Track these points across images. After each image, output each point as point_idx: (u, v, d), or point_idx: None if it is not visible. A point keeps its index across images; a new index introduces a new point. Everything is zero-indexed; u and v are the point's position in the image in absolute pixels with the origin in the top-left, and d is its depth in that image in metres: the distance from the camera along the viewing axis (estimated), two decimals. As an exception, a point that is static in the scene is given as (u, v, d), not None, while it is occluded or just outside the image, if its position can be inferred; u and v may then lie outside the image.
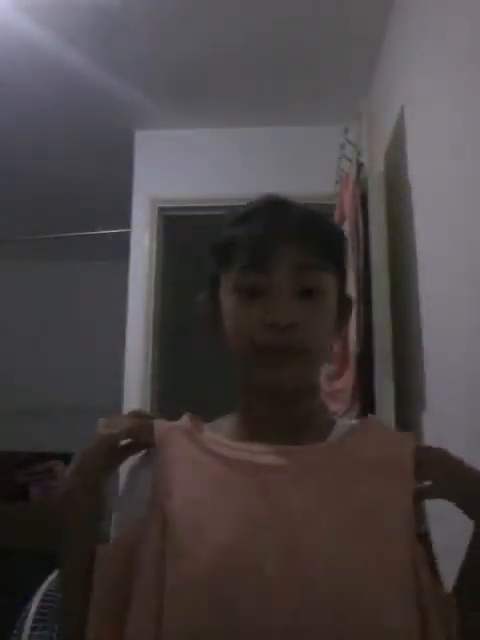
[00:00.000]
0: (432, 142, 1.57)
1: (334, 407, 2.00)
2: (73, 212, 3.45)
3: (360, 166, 2.06)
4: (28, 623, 1.14)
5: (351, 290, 1.87)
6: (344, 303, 0.76)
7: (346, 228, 1.99)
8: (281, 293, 0.68)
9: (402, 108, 1.86)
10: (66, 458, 3.65)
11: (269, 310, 0.67)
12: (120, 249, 2.84)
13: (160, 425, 0.73)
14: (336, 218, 2.17)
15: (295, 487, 0.65)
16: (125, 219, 2.80)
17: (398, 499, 0.66)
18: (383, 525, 0.64)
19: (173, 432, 0.72)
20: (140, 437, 0.73)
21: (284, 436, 0.71)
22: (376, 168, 2.02)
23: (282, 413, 0.72)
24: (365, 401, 1.81)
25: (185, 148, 2.80)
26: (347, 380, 1.89)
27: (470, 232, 1.26)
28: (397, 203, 1.89)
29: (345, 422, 0.76)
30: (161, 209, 2.77)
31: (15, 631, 1.42)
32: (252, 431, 0.73)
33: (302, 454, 0.68)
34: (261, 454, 0.68)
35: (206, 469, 0.68)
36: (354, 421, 0.77)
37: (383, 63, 2.20)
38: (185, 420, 0.75)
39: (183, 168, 2.78)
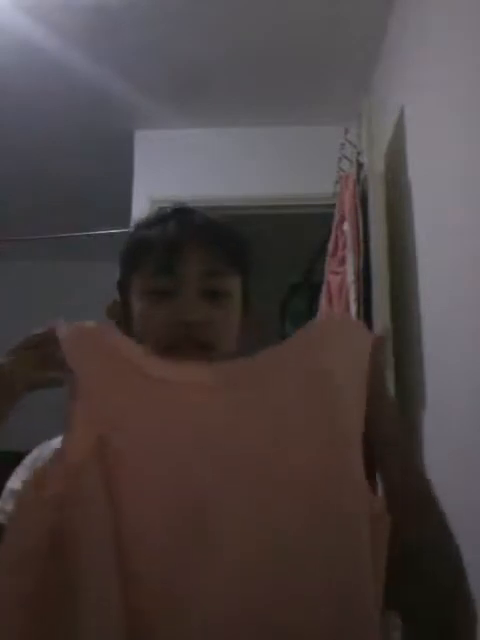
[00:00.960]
0: (432, 142, 1.58)
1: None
2: (73, 212, 3.45)
3: (360, 166, 2.06)
4: None
5: (351, 290, 1.87)
6: (248, 306, 0.80)
7: (346, 228, 1.99)
8: (188, 293, 0.72)
9: (402, 108, 1.86)
10: (66, 458, 3.65)
11: (177, 309, 0.71)
12: (120, 249, 2.84)
13: (71, 350, 0.63)
14: (336, 218, 2.17)
15: (230, 400, 0.62)
16: (125, 219, 2.80)
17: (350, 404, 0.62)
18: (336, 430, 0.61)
19: (87, 351, 0.64)
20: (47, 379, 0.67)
21: None
22: (376, 168, 2.02)
23: None
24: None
25: (185, 148, 2.79)
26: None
27: (470, 232, 1.26)
28: (397, 203, 1.89)
29: None
30: (161, 209, 2.77)
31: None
32: None
33: (232, 366, 0.66)
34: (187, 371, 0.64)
35: (139, 391, 0.62)
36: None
37: (383, 63, 2.20)
38: (96, 330, 0.66)
39: (183, 168, 2.78)
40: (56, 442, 0.74)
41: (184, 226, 0.77)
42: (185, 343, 0.71)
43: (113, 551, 0.55)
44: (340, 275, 2.03)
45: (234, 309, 0.76)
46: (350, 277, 1.89)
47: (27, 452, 0.88)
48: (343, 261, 2.02)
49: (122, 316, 0.79)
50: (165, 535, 0.56)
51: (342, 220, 2.08)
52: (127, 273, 0.79)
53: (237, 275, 0.77)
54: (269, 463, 0.59)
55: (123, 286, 0.80)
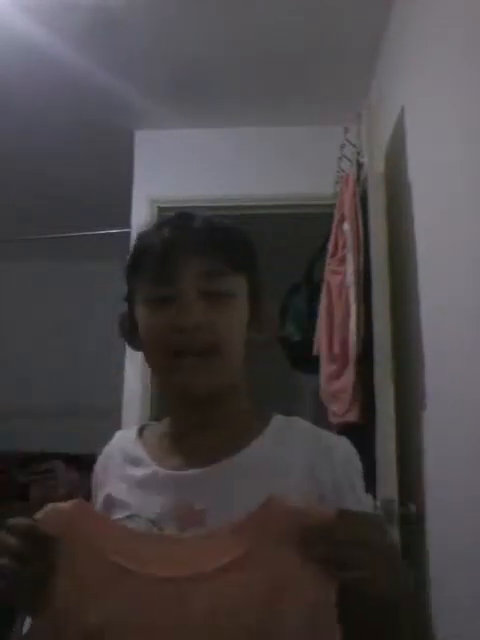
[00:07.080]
0: (432, 142, 1.57)
1: (334, 407, 2.00)
2: (73, 212, 3.44)
3: (360, 166, 2.06)
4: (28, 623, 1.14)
5: (351, 290, 1.87)
6: (258, 305, 0.78)
7: (346, 228, 1.99)
8: (186, 298, 0.71)
9: (402, 108, 1.86)
10: (66, 458, 3.65)
11: (174, 315, 0.70)
12: (120, 249, 2.84)
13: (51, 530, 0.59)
14: (336, 218, 2.17)
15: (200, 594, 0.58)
16: (125, 219, 2.80)
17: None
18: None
19: (63, 537, 0.60)
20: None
21: (204, 440, 0.74)
22: (376, 168, 2.02)
23: (202, 416, 0.76)
24: (365, 401, 1.81)
25: (185, 148, 2.80)
26: (347, 380, 1.89)
27: (470, 232, 1.26)
28: (397, 203, 1.89)
29: (280, 420, 0.77)
30: (161, 209, 2.77)
31: (14, 630, 1.42)
32: (176, 435, 0.78)
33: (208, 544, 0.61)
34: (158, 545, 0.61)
35: (112, 587, 0.59)
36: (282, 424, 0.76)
37: (383, 63, 2.20)
38: (73, 511, 0.62)
39: (183, 168, 2.78)
40: (116, 440, 0.82)
41: (179, 230, 0.75)
42: (186, 349, 0.70)
43: None
44: (340, 275, 2.03)
45: (238, 310, 0.75)
46: (350, 277, 1.89)
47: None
48: (343, 261, 2.02)
49: (130, 326, 0.79)
50: None
51: (342, 220, 2.08)
52: (130, 284, 0.79)
53: (239, 274, 0.75)
54: None
55: (129, 297, 0.80)
